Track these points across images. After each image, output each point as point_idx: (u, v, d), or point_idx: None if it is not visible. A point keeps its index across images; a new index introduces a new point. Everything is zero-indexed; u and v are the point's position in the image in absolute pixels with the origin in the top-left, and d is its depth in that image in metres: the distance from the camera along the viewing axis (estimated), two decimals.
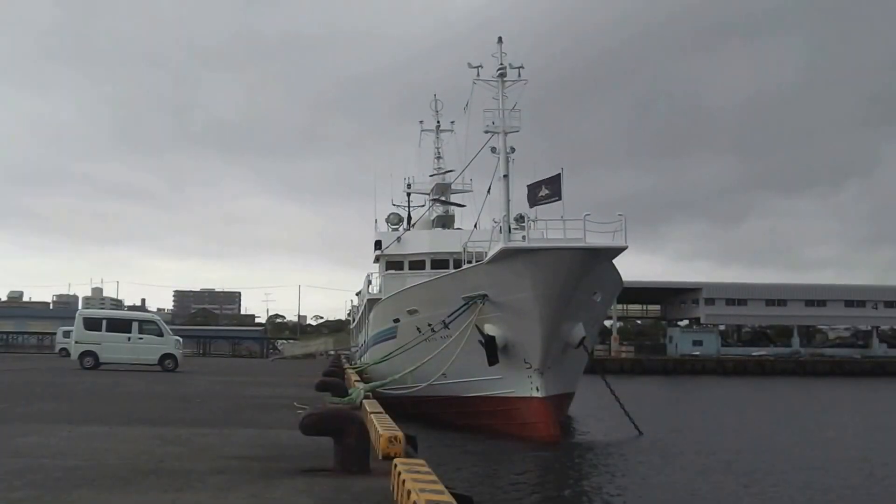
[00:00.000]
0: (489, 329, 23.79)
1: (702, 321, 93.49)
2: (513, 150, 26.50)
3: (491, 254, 23.30)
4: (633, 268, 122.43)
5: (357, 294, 53.99)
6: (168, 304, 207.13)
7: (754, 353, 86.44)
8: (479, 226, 29.69)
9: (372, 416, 11.35)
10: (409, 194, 41.33)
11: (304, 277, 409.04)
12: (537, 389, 23.74)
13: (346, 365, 38.64)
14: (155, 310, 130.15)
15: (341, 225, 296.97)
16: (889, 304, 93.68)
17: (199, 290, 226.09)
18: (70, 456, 9.50)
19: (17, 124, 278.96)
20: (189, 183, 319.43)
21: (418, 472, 7.08)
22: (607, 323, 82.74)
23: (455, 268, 28.39)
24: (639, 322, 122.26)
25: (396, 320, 28.78)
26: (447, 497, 6.09)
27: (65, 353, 46.80)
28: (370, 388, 20.51)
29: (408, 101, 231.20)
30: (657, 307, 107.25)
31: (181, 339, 36.84)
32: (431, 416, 25.93)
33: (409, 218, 39.88)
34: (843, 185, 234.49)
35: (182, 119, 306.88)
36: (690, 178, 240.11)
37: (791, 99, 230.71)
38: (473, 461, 19.82)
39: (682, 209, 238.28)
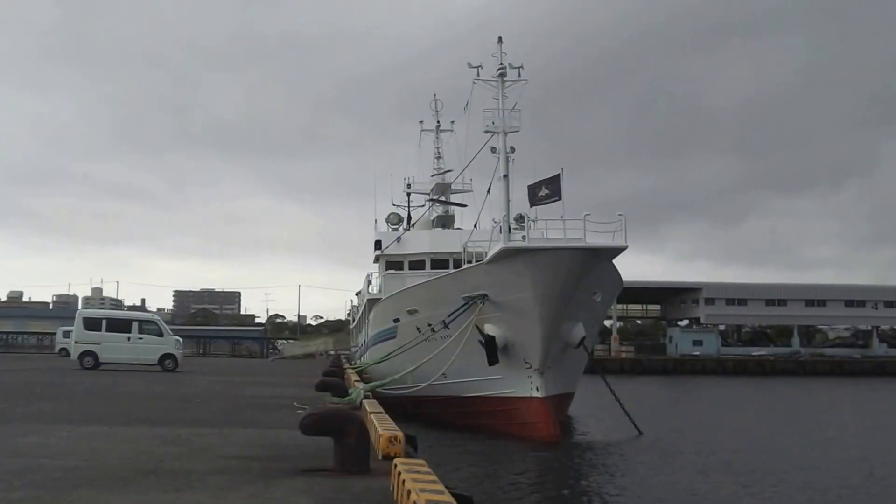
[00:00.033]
0: (489, 329, 23.78)
1: (702, 321, 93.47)
2: (513, 150, 26.51)
3: (491, 254, 23.30)
4: (633, 268, 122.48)
5: (357, 294, 54.02)
6: (168, 304, 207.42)
7: (754, 353, 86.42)
8: (479, 226, 29.70)
9: (372, 416, 11.35)
10: (409, 194, 41.34)
11: (304, 277, 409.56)
12: (537, 389, 23.73)
13: (346, 365, 38.63)
14: (155, 310, 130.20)
15: (341, 225, 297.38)
16: (889, 304, 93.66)
17: (199, 290, 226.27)
18: (70, 456, 9.50)
19: (17, 124, 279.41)
20: (189, 183, 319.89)
21: (418, 472, 7.07)
22: (607, 323, 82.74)
23: (455, 268, 28.38)
24: (639, 322, 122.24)
25: (396, 320, 28.78)
26: (447, 497, 6.08)
27: (65, 353, 46.80)
28: (370, 388, 20.50)
29: (408, 101, 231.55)
30: (657, 307, 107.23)
31: (181, 339, 36.83)
32: (431, 416, 25.92)
33: (409, 218, 39.89)
34: (843, 185, 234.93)
35: (182, 119, 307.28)
36: (690, 178, 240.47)
37: (791, 99, 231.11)
38: (473, 461, 19.80)
39: (682, 209, 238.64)
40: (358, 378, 24.97)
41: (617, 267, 24.79)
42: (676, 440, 25.13)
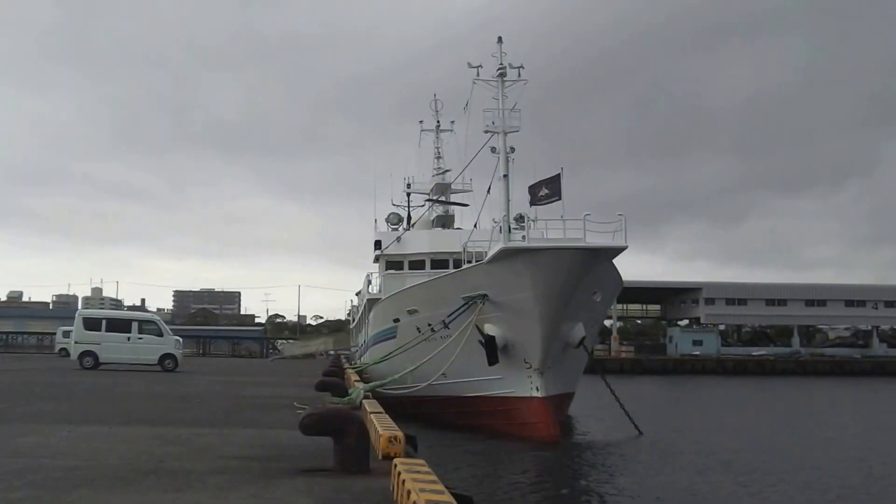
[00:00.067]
0: (489, 329, 23.77)
1: (702, 321, 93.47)
2: (513, 149, 26.52)
3: (491, 254, 23.29)
4: (633, 268, 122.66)
5: (357, 294, 54.02)
6: (168, 304, 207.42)
7: (754, 353, 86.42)
8: (478, 226, 29.69)
9: (372, 416, 11.34)
10: (408, 194, 41.33)
11: (304, 277, 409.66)
12: (537, 389, 23.73)
13: (346, 365, 38.63)
14: (155, 310, 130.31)
15: (341, 225, 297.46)
16: (889, 304, 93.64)
17: (198, 290, 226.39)
18: (70, 456, 9.50)
19: (17, 124, 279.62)
20: (189, 183, 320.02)
21: (418, 472, 7.07)
22: (607, 323, 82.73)
23: (455, 268, 28.37)
24: (639, 322, 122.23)
25: (396, 320, 28.77)
26: (447, 497, 6.08)
27: (64, 353, 46.76)
28: (370, 388, 20.49)
29: (408, 101, 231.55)
30: (657, 307, 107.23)
31: (181, 339, 36.82)
32: (431, 416, 25.91)
33: (409, 218, 39.89)
34: (843, 185, 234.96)
35: (182, 119, 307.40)
36: (690, 178, 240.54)
37: (791, 99, 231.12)
38: (473, 461, 19.80)
39: (682, 209, 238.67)
40: (358, 378, 24.96)
41: (617, 267, 24.78)
42: (676, 440, 25.13)
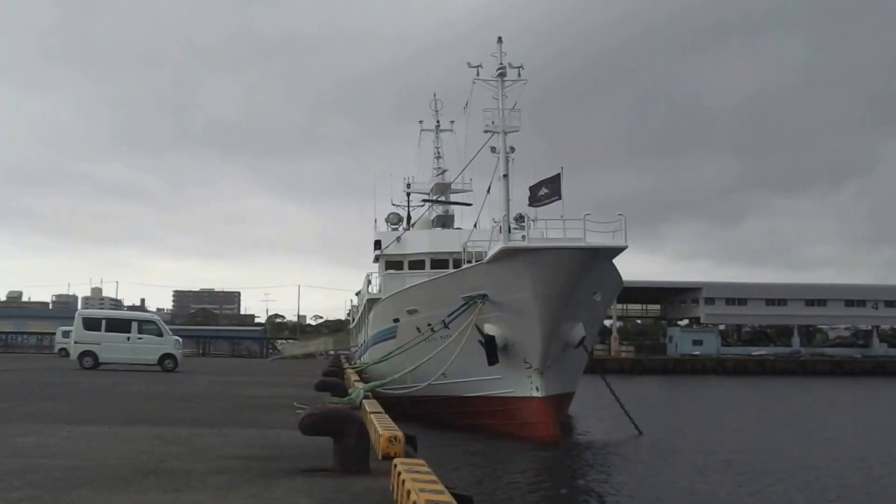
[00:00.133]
0: (489, 329, 23.77)
1: (702, 321, 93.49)
2: (512, 149, 26.51)
3: (491, 254, 23.29)
4: (633, 267, 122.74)
5: (357, 294, 54.01)
6: (167, 304, 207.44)
7: (754, 353, 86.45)
8: (478, 225, 29.69)
9: (372, 415, 11.33)
10: (408, 194, 41.31)
11: (304, 277, 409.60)
12: (537, 389, 23.72)
13: (346, 365, 38.62)
14: (154, 310, 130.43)
15: (341, 225, 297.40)
16: (889, 304, 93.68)
17: (198, 290, 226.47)
18: (69, 456, 9.49)
19: (17, 124, 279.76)
20: (189, 183, 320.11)
21: (418, 472, 7.06)
22: (607, 323, 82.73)
23: (455, 268, 28.37)
24: (639, 322, 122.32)
25: (396, 320, 28.77)
26: (447, 497, 6.07)
27: (64, 353, 46.77)
28: (370, 387, 20.49)
29: (408, 101, 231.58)
30: (657, 307, 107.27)
31: (181, 339, 36.81)
32: (431, 416, 25.91)
33: (409, 218, 39.86)
34: (843, 184, 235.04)
35: (182, 119, 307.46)
36: (690, 177, 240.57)
37: (791, 99, 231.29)
38: (473, 461, 19.79)
39: (681, 209, 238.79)
40: (358, 378, 24.96)
41: (617, 266, 24.79)
42: (676, 440, 25.12)
